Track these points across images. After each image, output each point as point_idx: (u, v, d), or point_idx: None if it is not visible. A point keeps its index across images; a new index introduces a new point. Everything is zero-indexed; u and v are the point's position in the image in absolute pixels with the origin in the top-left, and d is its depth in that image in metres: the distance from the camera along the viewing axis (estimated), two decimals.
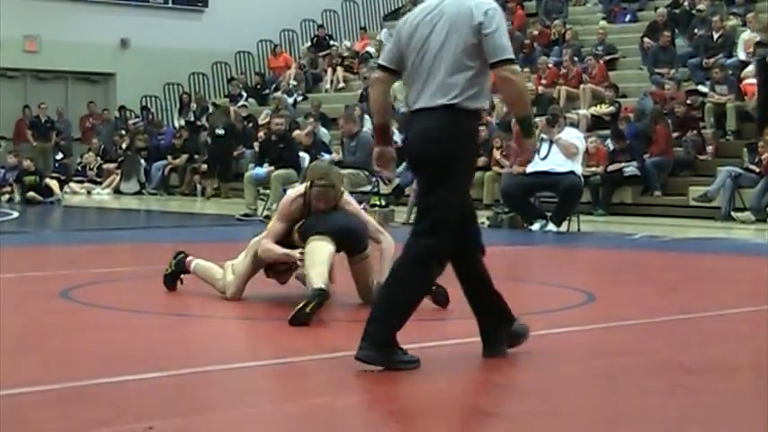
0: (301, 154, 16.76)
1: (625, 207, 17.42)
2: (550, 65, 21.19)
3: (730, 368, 5.29)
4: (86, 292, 7.61)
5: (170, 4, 27.54)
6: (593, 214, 16.73)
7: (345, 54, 25.68)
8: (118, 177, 23.85)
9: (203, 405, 4.49)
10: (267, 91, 25.45)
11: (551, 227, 13.83)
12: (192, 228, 15.34)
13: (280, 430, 4.23)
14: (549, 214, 14.01)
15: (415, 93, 5.21)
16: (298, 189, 7.17)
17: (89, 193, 23.41)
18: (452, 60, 5.10)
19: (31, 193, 20.54)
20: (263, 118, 22.85)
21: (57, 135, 25.10)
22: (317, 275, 6.53)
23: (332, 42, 26.92)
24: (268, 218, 15.55)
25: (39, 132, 24.86)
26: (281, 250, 6.90)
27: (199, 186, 22.89)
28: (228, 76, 26.89)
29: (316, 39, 27.06)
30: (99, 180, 24.01)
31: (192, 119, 24.92)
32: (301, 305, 6.27)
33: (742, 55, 19.34)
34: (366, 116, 21.09)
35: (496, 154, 17.92)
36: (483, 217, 15.11)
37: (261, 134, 20.79)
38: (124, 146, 24.44)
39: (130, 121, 26.07)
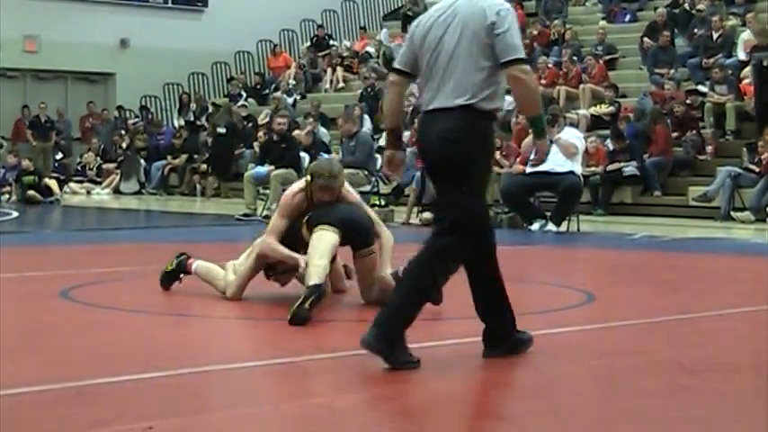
0: (301, 154, 16.77)
1: (625, 207, 17.42)
2: (550, 65, 21.19)
3: (730, 368, 5.29)
4: (86, 292, 7.61)
5: (170, 4, 27.54)
6: (592, 214, 16.73)
7: (345, 54, 25.68)
8: (117, 177, 23.86)
9: (203, 405, 4.49)
10: (267, 91, 25.45)
11: (551, 227, 13.83)
12: (191, 228, 15.35)
13: (280, 430, 4.24)
14: (548, 214, 14.01)
15: (430, 93, 5.23)
16: (298, 183, 7.16)
17: (89, 192, 23.41)
18: (467, 61, 5.13)
19: (31, 192, 20.54)
20: (262, 118, 22.85)
21: (57, 135, 25.11)
22: (314, 271, 6.53)
23: (331, 42, 26.92)
24: (268, 218, 15.55)
25: (39, 132, 24.87)
26: (286, 251, 6.89)
27: (198, 186, 22.89)
28: (228, 76, 26.89)
29: (315, 39, 27.07)
30: (99, 180, 24.02)
31: (192, 119, 24.94)
32: (299, 302, 6.27)
33: (742, 55, 19.35)
34: (366, 116, 21.14)
35: (496, 154, 17.93)
36: None
37: (260, 134, 20.80)
38: (124, 145, 24.44)
39: (130, 121, 26.08)
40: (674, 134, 17.87)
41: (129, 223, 16.81)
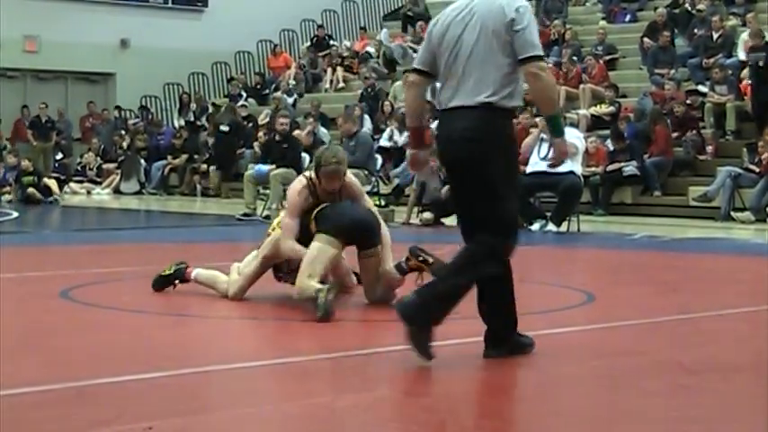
0: (302, 154, 16.74)
1: (625, 207, 17.42)
2: (550, 65, 21.17)
3: (730, 368, 5.29)
4: (86, 292, 7.61)
5: (170, 4, 27.53)
6: (592, 214, 16.73)
7: (345, 54, 25.68)
8: (118, 177, 23.86)
9: (203, 405, 4.49)
10: (267, 91, 25.44)
11: (551, 227, 13.83)
12: (191, 228, 15.35)
13: (280, 430, 4.23)
14: (548, 214, 14.01)
15: (449, 92, 5.24)
16: (300, 181, 7.16)
17: (89, 193, 23.41)
18: (487, 58, 5.14)
19: (31, 190, 20.53)
20: (262, 118, 22.84)
21: (57, 135, 25.10)
22: (310, 282, 6.61)
23: (332, 42, 26.92)
24: (268, 218, 15.60)
25: (39, 132, 24.86)
26: (305, 250, 6.90)
27: (198, 186, 22.89)
28: (228, 76, 26.89)
29: (315, 39, 27.06)
30: (99, 180, 24.02)
31: (192, 119, 24.94)
32: (320, 297, 6.33)
33: (742, 55, 19.35)
34: (366, 116, 21.13)
35: None
36: None
37: (261, 134, 20.80)
38: (125, 145, 24.44)
39: (130, 122, 26.08)
40: (675, 134, 17.87)
41: (130, 223, 16.81)
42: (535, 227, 13.95)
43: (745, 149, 16.87)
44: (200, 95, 26.04)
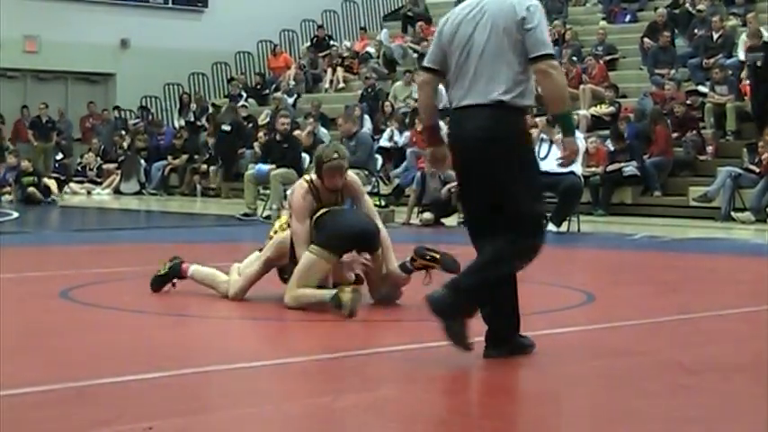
0: (302, 155, 16.73)
1: (625, 207, 17.42)
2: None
3: (730, 368, 5.29)
4: (86, 292, 7.61)
5: (170, 4, 27.53)
6: (592, 214, 16.73)
7: (345, 54, 25.68)
8: (118, 177, 23.85)
9: (203, 405, 4.49)
10: (267, 91, 25.45)
11: (551, 227, 13.81)
12: (192, 228, 15.35)
13: (280, 430, 4.23)
14: (548, 214, 14.01)
15: (461, 90, 5.24)
16: (301, 185, 7.15)
17: (89, 193, 23.41)
18: (499, 57, 5.16)
19: (32, 189, 20.54)
20: (262, 118, 22.85)
21: (58, 135, 25.10)
22: (295, 297, 6.74)
23: (332, 42, 26.92)
24: (268, 218, 15.60)
25: (39, 132, 24.86)
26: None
27: (199, 186, 22.88)
28: (228, 77, 26.89)
29: (315, 39, 27.06)
30: (99, 180, 24.01)
31: (192, 119, 24.94)
32: (345, 296, 6.44)
33: (742, 55, 19.35)
34: (366, 116, 21.13)
35: None
36: None
37: (261, 134, 20.80)
38: (125, 145, 24.43)
39: (130, 122, 26.08)
40: (675, 134, 17.87)
41: (130, 223, 16.81)
42: None
43: (745, 150, 16.87)
44: (201, 96, 26.04)
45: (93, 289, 7.86)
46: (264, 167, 16.04)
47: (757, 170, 16.14)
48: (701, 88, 19.06)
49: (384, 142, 20.10)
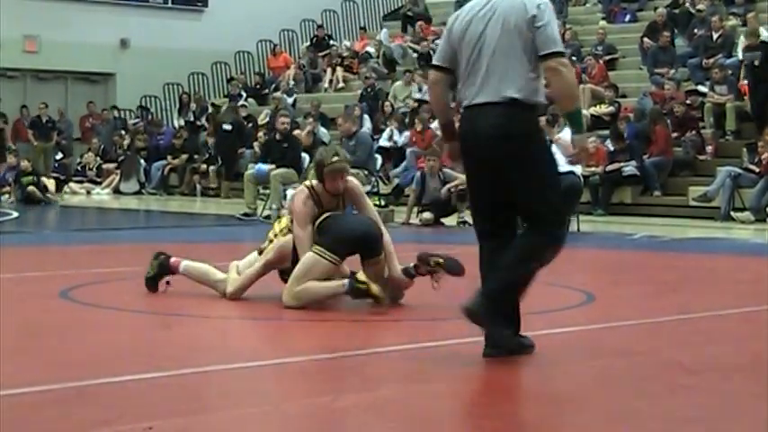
0: (302, 154, 16.74)
1: (624, 207, 17.42)
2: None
3: (730, 368, 5.29)
4: (86, 292, 7.60)
5: (170, 4, 27.53)
6: (592, 214, 16.73)
7: (345, 54, 25.68)
8: (117, 177, 23.85)
9: (203, 405, 4.49)
10: (267, 91, 25.45)
11: None
12: (192, 228, 15.34)
13: (280, 430, 4.23)
14: None
15: (473, 89, 5.25)
16: (302, 191, 7.15)
17: (89, 193, 23.40)
18: (511, 55, 5.18)
19: (32, 188, 20.55)
20: (262, 118, 22.85)
21: (58, 135, 25.09)
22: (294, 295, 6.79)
23: (331, 42, 26.92)
24: (268, 217, 15.60)
25: (39, 132, 24.85)
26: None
27: (198, 186, 22.88)
28: (228, 76, 26.88)
29: (315, 39, 27.06)
30: (98, 180, 24.01)
31: (192, 119, 24.94)
32: (375, 288, 6.61)
33: (742, 55, 19.36)
34: (365, 116, 21.14)
35: None
36: None
37: (261, 134, 20.80)
38: (126, 144, 24.42)
39: (130, 122, 26.08)
40: (674, 134, 17.88)
41: (129, 223, 16.81)
42: None
43: (745, 149, 16.88)
44: (200, 95, 26.04)
45: (93, 289, 7.86)
46: (264, 167, 16.04)
47: (757, 170, 16.14)
48: (701, 88, 19.07)
49: (384, 142, 20.10)
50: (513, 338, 5.29)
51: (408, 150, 19.42)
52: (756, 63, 17.66)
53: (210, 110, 24.69)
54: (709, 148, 17.84)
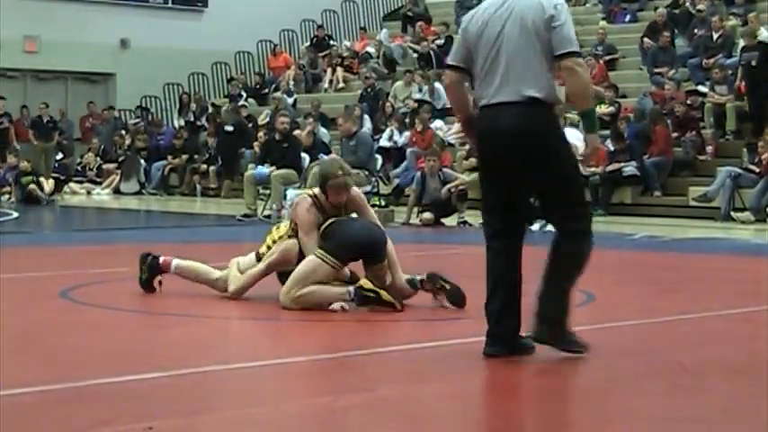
0: (302, 154, 16.73)
1: (625, 207, 17.42)
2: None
3: (730, 368, 5.29)
4: (86, 293, 7.61)
5: (170, 4, 27.53)
6: (592, 214, 16.64)
7: (345, 54, 25.67)
8: (118, 177, 23.84)
9: (203, 405, 4.49)
10: (267, 91, 25.44)
11: (551, 227, 13.81)
12: (192, 228, 15.34)
13: (280, 430, 4.23)
14: None
15: (491, 88, 5.29)
16: (305, 199, 7.14)
17: (89, 193, 23.40)
18: (530, 54, 5.22)
19: (32, 186, 20.54)
20: (262, 118, 22.84)
21: (59, 135, 25.07)
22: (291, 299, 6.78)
23: (332, 42, 26.92)
24: (268, 217, 15.61)
25: (40, 132, 24.83)
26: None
27: (198, 186, 22.88)
28: (228, 77, 26.88)
29: (315, 39, 27.06)
30: (99, 180, 24.00)
31: (192, 119, 24.93)
32: (385, 294, 6.63)
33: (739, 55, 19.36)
34: (366, 116, 21.13)
35: None
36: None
37: (261, 134, 20.79)
38: (127, 143, 24.41)
39: (130, 122, 26.08)
40: (675, 134, 17.87)
41: (130, 223, 16.81)
42: (535, 227, 13.91)
43: (745, 149, 16.87)
44: (200, 96, 26.04)
45: (93, 289, 7.87)
46: (264, 170, 16.02)
47: (757, 170, 16.14)
48: (701, 88, 19.06)
49: (384, 142, 20.09)
50: (516, 338, 5.30)
51: (408, 150, 19.42)
52: (754, 63, 17.66)
53: (211, 110, 24.68)
54: (709, 149, 17.84)
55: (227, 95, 25.63)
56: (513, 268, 5.38)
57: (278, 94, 24.07)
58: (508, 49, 5.23)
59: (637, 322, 6.74)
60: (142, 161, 24.07)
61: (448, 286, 6.95)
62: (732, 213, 16.07)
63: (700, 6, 21.59)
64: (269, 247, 7.21)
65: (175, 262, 7.46)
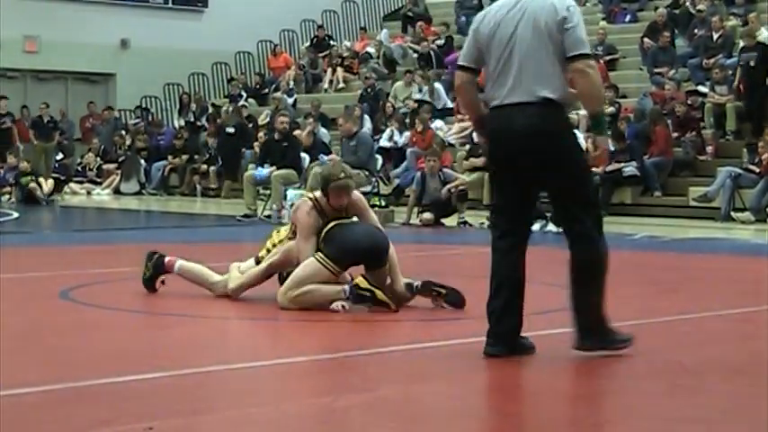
0: (302, 154, 16.73)
1: (625, 207, 17.42)
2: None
3: (730, 368, 5.29)
4: (86, 292, 7.61)
5: (170, 4, 27.53)
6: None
7: (345, 54, 25.67)
8: (118, 178, 23.85)
9: (203, 405, 4.49)
10: (267, 91, 25.44)
11: (551, 227, 13.81)
12: (192, 228, 15.34)
13: (280, 430, 4.23)
14: (549, 214, 14.01)
15: (503, 88, 5.31)
16: (305, 202, 7.14)
17: (89, 193, 23.40)
18: (543, 55, 5.25)
19: (33, 185, 20.54)
20: (262, 118, 22.84)
21: (60, 135, 25.07)
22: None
23: (332, 42, 26.92)
24: (269, 217, 15.61)
25: (40, 132, 24.82)
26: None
27: (198, 187, 22.88)
28: (228, 77, 26.89)
29: (315, 39, 27.06)
30: (99, 180, 24.00)
31: (192, 119, 24.93)
32: (380, 294, 6.64)
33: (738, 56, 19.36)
34: (366, 116, 21.13)
35: None
36: (483, 217, 15.10)
37: (261, 134, 20.79)
38: (127, 143, 24.41)
39: (131, 122, 26.08)
40: (675, 135, 17.87)
41: (130, 223, 16.81)
42: (535, 227, 13.89)
43: (745, 150, 16.88)
44: (200, 96, 26.04)
45: (93, 289, 7.87)
46: (264, 172, 16.02)
47: (757, 170, 16.14)
48: (701, 88, 19.06)
49: (384, 142, 20.09)
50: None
51: (409, 151, 19.42)
52: (752, 64, 17.65)
53: (211, 110, 24.68)
54: (709, 149, 17.84)
55: (228, 95, 25.63)
56: (518, 268, 5.39)
57: (278, 94, 24.07)
58: (521, 50, 5.26)
59: (637, 322, 6.72)
60: (142, 161, 24.07)
61: (444, 291, 6.94)
62: (732, 213, 16.07)
63: (700, 6, 21.58)
64: (268, 251, 7.22)
65: (179, 263, 7.47)
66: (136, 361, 5.30)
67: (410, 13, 26.26)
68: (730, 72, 18.81)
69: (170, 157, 23.68)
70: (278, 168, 15.83)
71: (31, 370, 5.04)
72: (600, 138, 5.55)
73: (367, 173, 15.87)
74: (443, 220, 15.15)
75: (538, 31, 5.24)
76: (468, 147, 18.90)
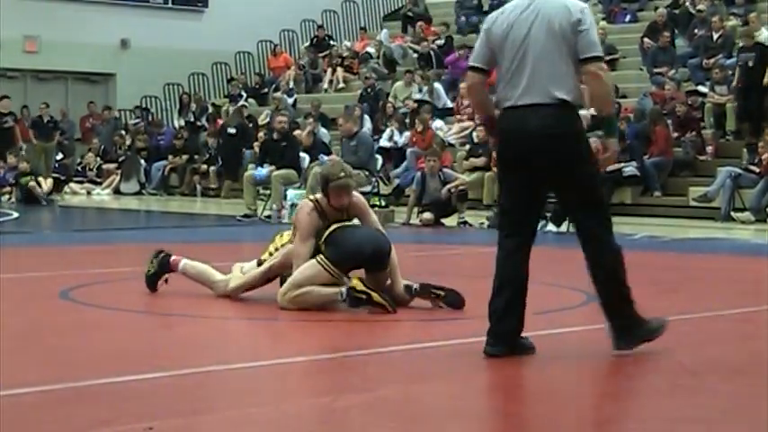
0: (301, 154, 16.74)
1: (625, 207, 17.39)
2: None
3: (730, 368, 5.29)
4: (86, 292, 7.61)
5: (170, 4, 27.53)
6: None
7: (345, 54, 25.68)
8: (118, 178, 23.84)
9: (203, 405, 4.49)
10: (266, 91, 25.44)
11: (551, 227, 13.83)
12: (192, 228, 15.34)
13: (280, 430, 4.23)
14: (548, 214, 14.01)
15: (516, 89, 5.32)
16: (306, 204, 7.14)
17: (89, 193, 23.40)
18: (557, 57, 5.28)
19: (32, 184, 20.54)
20: (262, 118, 22.84)
21: (60, 135, 25.06)
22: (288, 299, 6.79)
23: (332, 42, 26.92)
24: (269, 217, 15.62)
25: (40, 132, 24.82)
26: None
27: (199, 187, 22.88)
28: (228, 77, 26.89)
29: (315, 39, 27.06)
30: (99, 180, 24.00)
31: (192, 119, 24.93)
32: (377, 296, 6.62)
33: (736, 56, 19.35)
34: (366, 116, 21.13)
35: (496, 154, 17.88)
36: (483, 217, 15.11)
37: (261, 134, 20.79)
38: (127, 143, 24.41)
39: (131, 122, 26.08)
40: (675, 135, 17.87)
41: (130, 223, 16.81)
42: None
43: (745, 150, 16.88)
44: (201, 96, 26.04)
45: (93, 289, 7.87)
46: (263, 172, 16.02)
47: (757, 170, 16.14)
48: (701, 88, 19.06)
49: (384, 142, 20.09)
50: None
51: (409, 151, 19.42)
52: (751, 64, 17.65)
53: (211, 110, 24.68)
54: (709, 149, 17.84)
55: (228, 95, 25.63)
56: (522, 269, 5.39)
57: (278, 94, 24.07)
58: (535, 52, 5.27)
59: None
60: (142, 161, 24.06)
61: (442, 293, 6.94)
62: (732, 213, 16.07)
63: (700, 6, 21.58)
64: (271, 254, 7.22)
65: (183, 262, 7.47)
66: (136, 361, 5.30)
67: (410, 13, 26.26)
68: (730, 72, 18.80)
69: (170, 157, 23.68)
70: (277, 168, 15.83)
71: (30, 370, 5.04)
72: (610, 140, 5.57)
73: (367, 173, 15.86)
74: (443, 220, 15.15)
75: (552, 33, 5.27)
76: (468, 147, 18.91)
